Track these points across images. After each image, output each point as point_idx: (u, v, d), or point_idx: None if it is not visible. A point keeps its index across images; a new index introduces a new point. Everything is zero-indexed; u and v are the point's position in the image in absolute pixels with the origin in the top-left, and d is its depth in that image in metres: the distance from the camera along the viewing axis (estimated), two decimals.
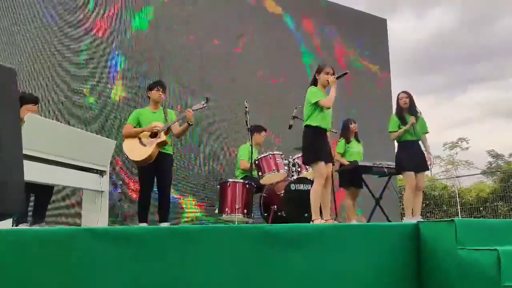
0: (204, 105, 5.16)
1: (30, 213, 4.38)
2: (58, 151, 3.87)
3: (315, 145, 4.45)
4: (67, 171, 4.01)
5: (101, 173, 4.42)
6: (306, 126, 4.51)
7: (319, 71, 4.59)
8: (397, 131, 5.41)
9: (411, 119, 5.34)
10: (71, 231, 2.19)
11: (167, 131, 4.98)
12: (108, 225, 4.63)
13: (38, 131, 3.66)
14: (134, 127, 4.99)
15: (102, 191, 4.40)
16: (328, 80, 4.50)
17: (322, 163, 4.37)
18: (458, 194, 14.98)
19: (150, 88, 5.17)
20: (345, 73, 4.60)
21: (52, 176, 3.89)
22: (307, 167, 5.53)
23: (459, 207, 14.30)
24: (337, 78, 4.51)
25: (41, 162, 3.69)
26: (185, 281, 2.32)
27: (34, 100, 4.53)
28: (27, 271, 2.03)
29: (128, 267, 2.20)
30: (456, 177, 20.06)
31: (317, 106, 4.43)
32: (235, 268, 2.47)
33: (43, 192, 4.39)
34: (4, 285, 1.99)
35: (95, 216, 4.38)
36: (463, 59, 50.53)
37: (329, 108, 4.48)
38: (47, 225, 4.67)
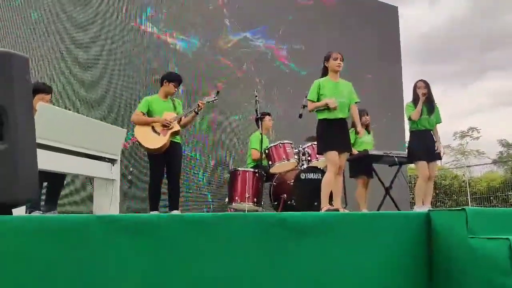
0: (215, 98, 5.24)
1: (42, 201, 4.44)
2: (70, 139, 3.90)
3: (324, 136, 4.49)
4: (78, 160, 4.04)
5: (112, 161, 4.44)
6: (318, 118, 4.57)
7: (327, 58, 4.59)
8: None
9: (421, 91, 5.31)
10: (84, 219, 2.21)
11: (179, 120, 5.03)
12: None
13: (50, 119, 3.68)
14: (144, 114, 5.03)
15: (113, 180, 4.43)
16: (337, 67, 4.53)
17: (333, 152, 4.38)
18: (469, 184, 14.90)
19: (169, 80, 5.17)
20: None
21: (64, 165, 3.92)
22: (318, 156, 5.53)
23: (469, 197, 14.24)
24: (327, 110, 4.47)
25: (53, 150, 3.72)
26: (198, 269, 2.34)
27: (47, 90, 4.57)
28: (40, 258, 2.06)
29: (142, 254, 2.22)
30: (466, 166, 19.94)
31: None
32: (249, 255, 2.48)
33: (56, 180, 4.44)
34: (16, 272, 2.01)
35: (107, 205, 4.41)
36: (475, 47, 49.89)
37: (310, 111, 4.57)
38: (59, 213, 4.73)
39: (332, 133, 4.46)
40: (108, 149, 4.39)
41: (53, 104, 4.75)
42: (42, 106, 3.65)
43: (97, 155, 4.27)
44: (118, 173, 4.58)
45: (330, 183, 4.40)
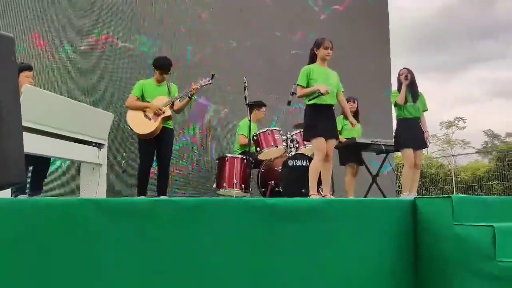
0: (210, 82, 5.18)
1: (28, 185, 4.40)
2: (56, 123, 3.86)
3: (312, 122, 4.47)
4: (64, 143, 4.00)
5: (99, 146, 4.41)
6: (307, 104, 4.54)
7: (318, 45, 4.57)
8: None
9: (403, 78, 5.35)
10: (75, 202, 2.20)
11: (172, 105, 4.99)
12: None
13: (35, 102, 3.63)
14: (138, 98, 4.99)
15: (100, 164, 4.41)
16: (328, 56, 4.52)
17: (320, 139, 4.38)
18: (454, 173, 15.08)
19: (155, 67, 5.12)
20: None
21: (49, 148, 3.88)
22: (306, 143, 5.54)
23: (454, 186, 14.42)
24: (319, 96, 4.44)
25: (39, 134, 3.67)
26: (190, 253, 2.35)
27: (29, 67, 4.51)
28: (29, 241, 2.04)
29: (133, 239, 2.22)
30: (452, 155, 20.16)
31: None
32: (237, 240, 2.49)
33: (41, 163, 4.40)
34: (4, 255, 2.00)
35: (93, 189, 4.39)
36: (466, 37, 50.22)
37: (299, 97, 4.57)
38: (44, 196, 4.69)
39: (320, 120, 4.46)
40: (95, 133, 4.36)
41: (34, 83, 4.67)
42: (28, 89, 3.60)
43: (84, 139, 4.24)
44: (105, 158, 4.55)
45: (317, 169, 4.41)
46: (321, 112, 4.47)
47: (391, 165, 7.39)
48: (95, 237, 2.15)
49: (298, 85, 4.54)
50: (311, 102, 4.44)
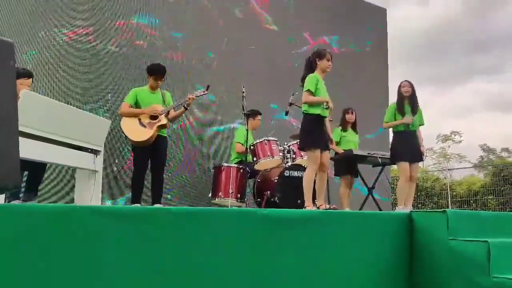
0: (205, 92, 5.21)
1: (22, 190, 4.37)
2: (53, 128, 3.84)
3: (313, 133, 4.45)
4: (61, 149, 3.99)
5: (95, 152, 4.40)
6: (306, 113, 4.51)
7: (321, 56, 4.57)
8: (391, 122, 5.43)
9: (409, 119, 5.34)
10: (65, 208, 2.19)
11: (167, 114, 5.00)
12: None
13: (33, 107, 3.62)
14: (131, 106, 4.98)
15: (96, 171, 4.39)
16: (328, 68, 4.53)
17: (317, 151, 4.38)
18: (449, 187, 15.10)
19: (149, 73, 5.11)
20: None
21: (46, 154, 3.86)
22: (302, 154, 5.55)
23: (449, 200, 14.43)
24: (326, 109, 4.47)
25: (35, 139, 3.66)
26: (183, 263, 2.34)
27: (28, 74, 4.50)
28: (20, 246, 2.03)
29: (125, 246, 2.21)
30: (448, 169, 20.18)
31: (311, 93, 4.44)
32: (231, 250, 2.49)
33: (36, 169, 4.38)
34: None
35: (88, 196, 4.37)
36: (463, 50, 50.56)
37: (305, 103, 4.49)
38: (39, 202, 4.67)
39: (320, 131, 4.46)
40: (91, 139, 4.34)
41: (32, 90, 4.67)
42: (25, 94, 3.59)
43: (80, 145, 4.22)
44: (101, 164, 4.54)
45: (310, 180, 4.40)
46: (319, 123, 4.47)
47: (387, 179, 7.40)
48: (86, 245, 2.14)
49: (307, 90, 4.45)
50: (316, 112, 4.44)
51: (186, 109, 5.13)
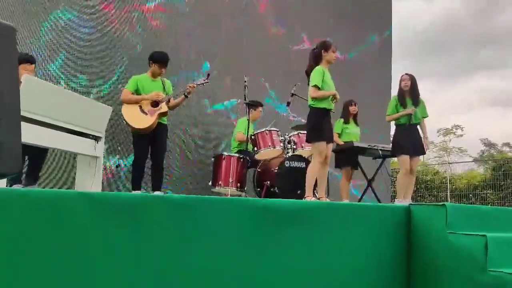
0: (206, 81, 5.20)
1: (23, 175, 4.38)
2: (54, 114, 3.84)
3: (320, 126, 4.46)
4: (62, 135, 3.99)
5: (96, 138, 4.40)
6: (312, 106, 4.51)
7: (326, 48, 4.56)
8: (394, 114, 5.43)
9: (411, 110, 5.33)
10: (66, 194, 2.20)
11: (168, 102, 4.99)
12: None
13: (34, 92, 3.62)
14: (132, 93, 4.97)
15: (97, 157, 4.39)
16: (334, 60, 4.55)
17: (323, 143, 4.41)
18: (449, 180, 15.11)
19: (154, 61, 5.10)
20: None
21: (47, 139, 3.86)
22: (303, 144, 5.56)
23: (449, 193, 14.45)
24: (333, 98, 4.50)
25: (36, 124, 3.66)
26: (181, 249, 2.35)
27: (31, 60, 4.49)
28: (17, 231, 2.04)
29: (124, 233, 2.22)
30: (448, 163, 20.20)
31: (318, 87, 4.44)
32: (230, 239, 2.50)
33: (37, 154, 4.38)
34: None
35: (89, 182, 4.38)
36: (466, 46, 50.32)
37: (314, 98, 4.47)
38: (39, 187, 4.68)
39: (325, 124, 4.48)
40: (92, 125, 4.34)
41: (36, 75, 4.66)
42: (27, 79, 3.58)
43: (81, 131, 4.22)
44: (102, 151, 4.54)
45: (316, 172, 4.43)
46: (326, 116, 4.50)
47: (387, 171, 7.40)
48: (86, 230, 2.15)
49: (314, 86, 4.44)
50: (323, 106, 4.45)
51: (186, 97, 5.13)
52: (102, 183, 4.88)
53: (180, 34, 6.74)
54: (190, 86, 5.07)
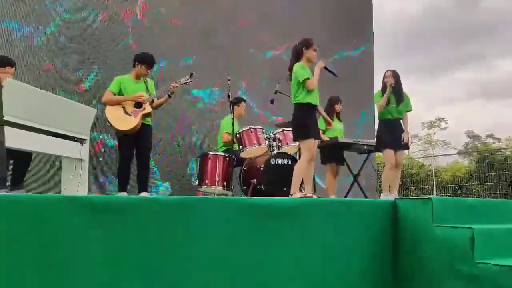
0: (189, 80, 5.18)
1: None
2: (38, 117, 3.80)
3: (307, 123, 4.47)
4: (46, 138, 3.95)
5: (81, 141, 4.36)
6: (298, 103, 4.50)
7: (307, 46, 4.58)
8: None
9: (388, 81, 5.40)
10: (52, 198, 2.18)
11: (151, 102, 4.97)
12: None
13: (17, 96, 3.58)
14: (114, 94, 4.93)
15: (82, 160, 4.36)
16: (314, 59, 4.54)
17: (311, 140, 4.42)
18: (435, 173, 15.26)
19: (140, 61, 5.06)
20: (335, 75, 4.65)
21: (31, 143, 3.82)
22: (288, 142, 5.57)
23: (435, 186, 14.58)
24: (325, 68, 4.54)
25: (20, 128, 3.62)
26: (170, 252, 2.34)
27: (10, 63, 4.44)
28: (5, 235, 2.02)
29: (112, 237, 2.21)
30: (433, 156, 20.40)
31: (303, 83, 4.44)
32: (218, 238, 2.50)
33: (22, 158, 4.34)
34: None
35: (75, 185, 4.34)
36: (449, 38, 50.77)
37: (312, 89, 4.48)
38: (25, 191, 4.63)
39: (311, 121, 4.50)
40: (76, 128, 4.30)
41: (15, 78, 4.60)
42: (9, 82, 3.54)
43: (66, 134, 4.18)
44: (86, 153, 4.50)
45: (304, 170, 4.44)
46: (312, 112, 4.51)
47: (372, 166, 7.47)
48: (72, 236, 2.13)
49: (306, 79, 4.43)
50: (308, 101, 4.45)
51: (170, 97, 5.12)
52: None
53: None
54: (173, 86, 5.06)
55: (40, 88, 4.76)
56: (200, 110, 7.19)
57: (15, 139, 3.47)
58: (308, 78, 4.44)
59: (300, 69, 4.49)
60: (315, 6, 9.22)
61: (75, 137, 4.30)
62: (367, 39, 10.29)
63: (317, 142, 4.60)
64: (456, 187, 14.77)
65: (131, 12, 6.48)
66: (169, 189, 6.53)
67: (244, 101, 6.32)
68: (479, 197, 12.88)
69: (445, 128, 28.88)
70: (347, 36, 9.66)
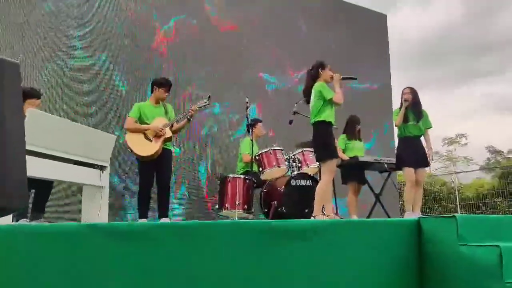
0: (207, 103, 5.23)
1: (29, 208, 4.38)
2: (59, 146, 3.86)
3: (329, 143, 4.47)
4: (67, 166, 4.00)
5: (101, 168, 4.40)
6: (320, 122, 4.48)
7: (323, 67, 4.60)
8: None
9: (406, 98, 5.39)
10: (74, 227, 2.19)
11: (171, 127, 5.01)
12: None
13: (39, 125, 3.64)
14: (136, 121, 4.99)
15: (102, 187, 4.39)
16: (332, 77, 4.54)
17: (335, 161, 4.43)
18: (457, 190, 14.99)
19: (159, 85, 5.14)
20: (354, 78, 4.67)
21: (52, 171, 3.87)
22: (308, 162, 5.54)
23: (458, 203, 14.31)
24: (343, 78, 4.56)
25: (41, 157, 3.67)
26: (190, 277, 2.32)
27: (37, 95, 4.54)
28: (29, 266, 2.03)
29: (132, 264, 2.20)
30: (455, 173, 20.08)
31: (329, 102, 4.44)
32: (239, 263, 2.47)
33: (43, 187, 4.39)
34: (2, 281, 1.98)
35: (95, 212, 4.36)
36: (466, 53, 50.47)
37: (340, 104, 4.50)
38: (46, 220, 4.67)
39: (333, 140, 4.52)
40: (97, 155, 4.35)
41: (42, 109, 4.71)
42: (31, 112, 3.61)
43: (86, 161, 4.23)
44: (107, 180, 4.53)
45: (327, 191, 4.41)
46: (331, 131, 4.50)
47: (394, 185, 7.36)
48: (94, 263, 2.13)
49: (331, 98, 4.45)
50: (328, 119, 4.45)
51: (189, 120, 5.16)
52: None
53: None
54: (192, 110, 5.11)
55: None
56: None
57: (36, 168, 3.52)
58: (331, 96, 4.45)
59: (324, 88, 4.49)
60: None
61: (96, 164, 4.35)
62: (384, 72, 10.20)
63: (336, 161, 4.59)
64: (480, 204, 14.46)
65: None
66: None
67: (260, 121, 6.33)
68: (504, 214, 12.59)
69: (465, 144, 28.48)
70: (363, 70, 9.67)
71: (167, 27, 7.05)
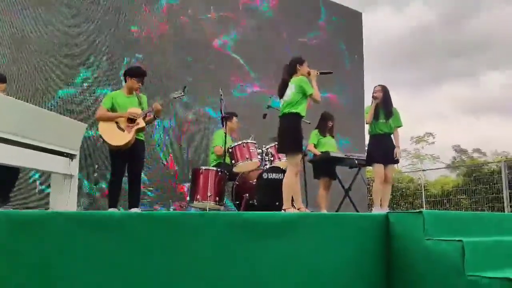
0: (182, 94, 5.16)
1: None
2: (27, 132, 3.77)
3: (295, 136, 4.47)
4: (35, 154, 3.91)
5: (71, 156, 4.33)
6: (294, 114, 4.46)
7: (301, 62, 4.61)
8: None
9: (376, 96, 5.49)
10: (44, 214, 2.15)
11: (145, 117, 4.93)
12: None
13: (5, 111, 3.55)
14: (108, 110, 4.90)
15: (71, 175, 4.32)
16: (309, 72, 4.56)
17: (300, 154, 4.45)
18: (424, 187, 15.32)
19: (131, 75, 5.05)
20: (330, 72, 4.70)
21: (19, 159, 3.78)
22: (280, 156, 5.56)
23: (424, 200, 14.63)
24: (321, 73, 4.59)
25: (8, 143, 3.58)
26: (160, 265, 2.31)
27: (2, 79, 4.43)
28: None
29: (100, 253, 2.18)
30: (421, 170, 20.49)
31: (307, 97, 4.47)
32: (211, 254, 2.48)
33: (9, 174, 4.30)
34: None
35: (64, 201, 4.29)
36: (437, 55, 51.44)
37: (319, 101, 4.55)
38: (12, 208, 4.58)
39: (300, 133, 4.50)
40: (66, 143, 4.27)
41: (7, 94, 4.58)
42: None
43: (55, 149, 4.15)
44: (76, 169, 4.46)
45: (293, 183, 4.44)
46: (299, 123, 4.50)
47: (363, 180, 7.48)
48: (63, 250, 2.10)
49: (311, 94, 4.47)
50: (297, 111, 4.44)
51: (155, 118, 5.09)
52: None
53: None
54: (155, 105, 4.96)
55: None
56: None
57: (2, 155, 3.44)
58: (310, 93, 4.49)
59: (306, 83, 4.49)
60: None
61: (65, 152, 4.27)
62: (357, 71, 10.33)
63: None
64: (445, 201, 14.82)
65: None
66: None
67: (236, 115, 6.30)
68: (467, 210, 12.94)
69: (433, 142, 29.07)
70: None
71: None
